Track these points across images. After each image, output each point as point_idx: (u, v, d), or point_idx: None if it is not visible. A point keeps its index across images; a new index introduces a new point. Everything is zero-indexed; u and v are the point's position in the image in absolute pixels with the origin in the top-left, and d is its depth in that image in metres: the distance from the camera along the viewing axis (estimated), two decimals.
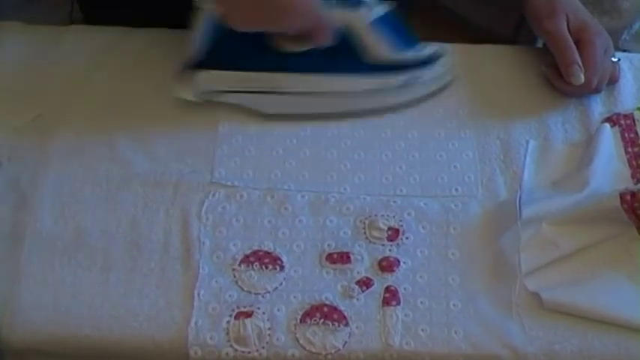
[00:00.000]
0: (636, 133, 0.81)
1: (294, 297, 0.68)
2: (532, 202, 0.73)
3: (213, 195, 0.74)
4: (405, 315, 0.68)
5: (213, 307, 0.67)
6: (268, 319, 0.67)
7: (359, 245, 0.72)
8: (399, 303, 0.68)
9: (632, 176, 0.78)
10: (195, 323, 0.66)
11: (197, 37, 0.76)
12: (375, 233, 0.72)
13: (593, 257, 0.71)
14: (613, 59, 0.85)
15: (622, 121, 0.82)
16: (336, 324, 0.67)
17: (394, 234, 0.72)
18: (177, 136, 0.79)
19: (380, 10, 0.76)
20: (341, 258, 0.71)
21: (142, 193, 0.74)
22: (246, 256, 0.71)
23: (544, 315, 0.68)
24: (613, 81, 0.85)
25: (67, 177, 0.75)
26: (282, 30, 0.73)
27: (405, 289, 0.69)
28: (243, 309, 0.67)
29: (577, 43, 0.81)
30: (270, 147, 0.78)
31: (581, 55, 0.81)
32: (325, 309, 0.68)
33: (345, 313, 0.68)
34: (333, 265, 0.70)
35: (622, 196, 0.70)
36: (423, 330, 0.67)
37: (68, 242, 0.71)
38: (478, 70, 0.87)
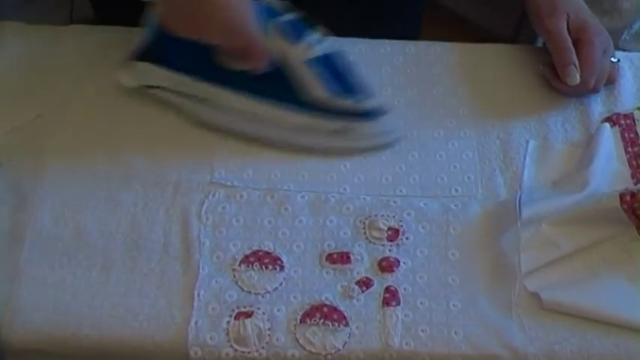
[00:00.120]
0: (636, 133, 0.81)
1: (294, 297, 0.68)
2: (532, 202, 0.73)
3: (213, 195, 0.74)
4: (405, 315, 0.68)
5: (213, 307, 0.67)
6: (268, 320, 0.67)
7: (359, 245, 0.72)
8: (398, 303, 0.68)
9: (632, 176, 0.78)
10: (195, 323, 0.66)
11: (147, 28, 0.76)
12: (375, 233, 0.72)
13: (593, 257, 0.71)
14: (612, 59, 0.85)
15: (622, 121, 0.82)
16: (336, 324, 0.67)
17: (394, 234, 0.72)
18: (177, 136, 0.79)
19: (321, 49, 0.73)
20: (341, 258, 0.71)
21: (142, 193, 0.74)
22: (246, 257, 0.71)
23: (544, 315, 0.68)
24: (611, 81, 0.85)
25: (67, 177, 0.75)
26: (213, 43, 0.71)
27: (404, 289, 0.69)
28: (243, 309, 0.67)
29: (576, 42, 0.81)
30: (270, 147, 0.78)
31: (579, 54, 0.81)
32: (325, 309, 0.68)
33: (345, 314, 0.68)
34: (333, 266, 0.70)
35: (622, 196, 0.70)
36: (422, 330, 0.67)
37: (68, 242, 0.71)
38: (478, 69, 0.87)
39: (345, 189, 0.76)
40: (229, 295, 0.68)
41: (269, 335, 0.66)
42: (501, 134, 0.81)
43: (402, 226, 0.73)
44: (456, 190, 0.76)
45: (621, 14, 1.19)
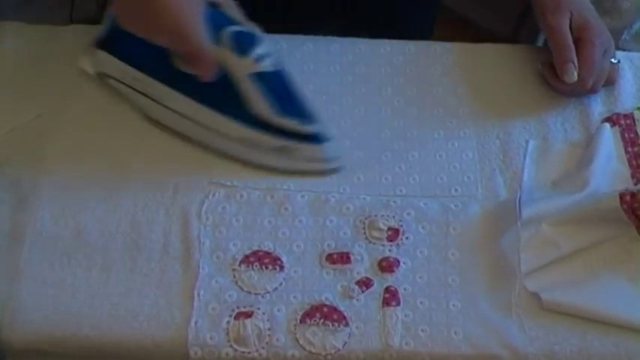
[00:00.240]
0: (636, 133, 0.81)
1: (294, 297, 0.68)
2: (532, 202, 0.73)
3: (213, 195, 0.74)
4: (405, 315, 0.68)
5: (213, 307, 0.67)
6: (268, 320, 0.67)
7: (359, 245, 0.72)
8: (398, 303, 0.68)
9: (632, 176, 0.78)
10: (195, 323, 0.66)
11: (108, 17, 0.75)
12: (375, 233, 0.72)
13: (593, 258, 0.71)
14: (613, 61, 0.85)
15: (622, 121, 0.82)
16: (336, 324, 0.67)
17: (394, 234, 0.72)
18: (177, 136, 0.78)
19: (268, 66, 0.71)
20: (341, 258, 0.71)
21: (142, 193, 0.74)
22: (246, 256, 0.71)
23: (544, 315, 0.68)
24: (610, 82, 0.85)
25: (66, 177, 0.75)
26: (160, 45, 0.70)
27: (404, 289, 0.69)
28: (243, 309, 0.67)
29: (577, 41, 0.81)
30: None
31: (579, 53, 0.81)
32: (325, 309, 0.68)
33: (345, 314, 0.68)
34: (333, 266, 0.70)
35: (622, 196, 0.70)
36: (422, 330, 0.67)
37: (68, 242, 0.71)
38: (478, 69, 0.87)
39: (345, 189, 0.76)
40: (229, 295, 0.68)
41: (269, 335, 0.66)
42: (501, 134, 0.81)
43: (402, 226, 0.73)
44: (456, 190, 0.76)
45: (621, 14, 1.19)
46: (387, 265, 0.70)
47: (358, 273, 0.70)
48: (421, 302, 0.69)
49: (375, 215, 0.74)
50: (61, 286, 0.68)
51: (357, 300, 0.69)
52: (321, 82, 0.84)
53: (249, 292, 0.69)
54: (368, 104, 0.83)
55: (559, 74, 0.81)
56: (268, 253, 0.71)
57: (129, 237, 0.71)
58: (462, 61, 0.87)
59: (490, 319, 0.68)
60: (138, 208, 0.73)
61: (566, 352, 0.66)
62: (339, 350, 0.66)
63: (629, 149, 0.80)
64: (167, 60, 0.73)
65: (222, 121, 0.74)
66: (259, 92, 0.72)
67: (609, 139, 0.80)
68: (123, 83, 0.78)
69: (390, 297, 0.69)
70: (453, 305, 0.68)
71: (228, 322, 0.66)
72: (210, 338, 0.66)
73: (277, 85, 0.73)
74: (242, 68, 0.71)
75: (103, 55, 0.77)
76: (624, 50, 0.90)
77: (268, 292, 0.69)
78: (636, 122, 0.82)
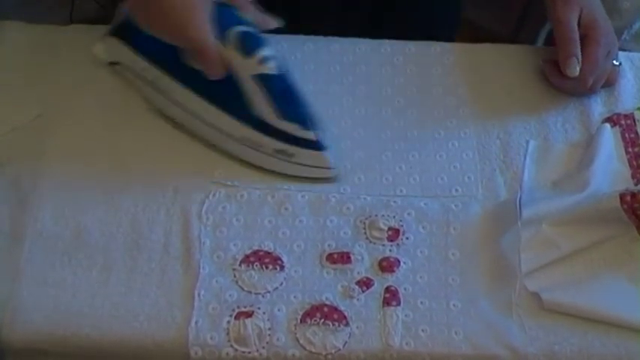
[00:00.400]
0: (636, 133, 0.81)
1: (295, 297, 0.68)
2: (532, 203, 0.73)
3: (214, 195, 0.74)
4: (406, 315, 0.68)
5: (213, 307, 0.67)
6: (268, 319, 0.67)
7: (359, 245, 0.72)
8: (399, 303, 0.68)
9: (633, 176, 0.78)
10: (196, 323, 0.66)
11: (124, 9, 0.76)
12: (376, 233, 0.72)
13: (594, 258, 0.71)
14: (614, 62, 0.85)
15: (622, 121, 0.82)
16: (337, 324, 0.67)
17: (394, 234, 0.72)
18: (177, 136, 0.79)
19: (272, 68, 0.71)
20: (341, 258, 0.71)
21: (143, 193, 0.74)
22: (247, 256, 0.71)
23: (544, 315, 0.68)
24: (610, 84, 0.85)
25: (67, 177, 0.75)
26: (169, 42, 0.71)
27: (405, 289, 0.69)
28: (243, 309, 0.67)
29: (583, 38, 0.82)
30: None
31: (583, 51, 0.81)
32: (325, 309, 0.68)
33: (346, 313, 0.68)
34: (334, 265, 0.70)
35: (622, 196, 0.70)
36: (423, 330, 0.67)
37: (68, 242, 0.71)
38: (478, 69, 0.87)
39: (345, 189, 0.76)
40: (230, 295, 0.68)
41: (269, 335, 0.66)
42: (501, 134, 0.81)
43: (402, 226, 0.73)
44: (457, 190, 0.76)
45: (621, 14, 1.19)
46: (387, 265, 0.71)
47: (359, 273, 0.70)
48: (421, 302, 0.69)
49: (376, 215, 0.74)
50: (61, 285, 0.68)
51: (358, 300, 0.69)
52: (321, 82, 0.84)
53: (250, 292, 0.69)
54: (368, 104, 0.83)
55: (561, 67, 0.81)
56: (269, 253, 0.71)
57: (129, 237, 0.71)
58: (462, 61, 0.87)
59: (490, 319, 0.68)
60: (138, 208, 0.73)
61: (567, 352, 0.66)
62: (340, 350, 0.66)
63: (630, 149, 0.80)
64: (177, 54, 0.73)
65: (225, 120, 0.74)
66: (261, 94, 0.72)
67: (610, 140, 0.80)
68: (132, 72, 0.79)
69: (391, 297, 0.69)
70: (454, 305, 0.68)
71: (228, 322, 0.66)
72: (211, 338, 0.66)
73: (280, 88, 0.73)
74: (246, 68, 0.71)
75: (117, 43, 0.78)
76: (624, 50, 0.90)
77: (269, 292, 0.69)
78: (637, 122, 0.82)
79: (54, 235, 0.71)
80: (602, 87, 0.85)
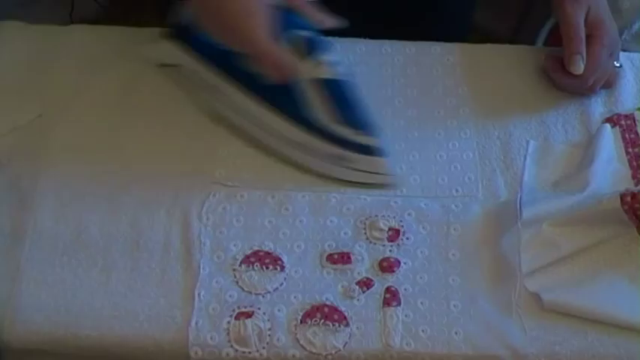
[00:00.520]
0: (637, 133, 0.81)
1: (295, 297, 0.68)
2: (532, 203, 0.73)
3: (214, 195, 0.74)
4: (406, 316, 0.68)
5: (213, 307, 0.67)
6: (269, 320, 0.67)
7: (359, 246, 0.72)
8: (399, 303, 0.68)
9: (633, 177, 0.78)
10: (196, 323, 0.66)
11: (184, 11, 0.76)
12: (376, 234, 0.72)
13: (594, 258, 0.71)
14: (616, 64, 0.85)
15: (622, 122, 0.82)
16: (337, 324, 0.67)
17: (394, 234, 0.72)
18: (178, 136, 0.79)
19: (331, 73, 0.71)
20: (341, 258, 0.71)
21: (143, 193, 0.74)
22: (247, 257, 0.71)
23: (544, 316, 0.68)
24: (609, 85, 0.85)
25: (67, 177, 0.75)
26: (230, 47, 0.71)
27: (405, 289, 0.69)
28: (243, 309, 0.67)
29: (588, 37, 0.82)
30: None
31: (587, 50, 0.81)
32: (326, 309, 0.68)
33: (346, 314, 0.68)
34: (334, 266, 0.70)
35: (622, 197, 0.70)
36: (423, 331, 0.67)
37: (68, 242, 0.71)
38: (478, 69, 0.87)
39: (345, 189, 0.76)
40: (230, 295, 0.68)
41: (269, 335, 0.66)
42: (502, 135, 0.81)
43: (402, 226, 0.73)
44: (457, 190, 0.76)
45: (621, 14, 1.19)
46: (387, 266, 0.71)
47: (359, 273, 0.70)
48: (422, 302, 0.69)
49: (376, 215, 0.74)
50: (61, 286, 0.68)
51: (358, 300, 0.69)
52: None
53: (250, 292, 0.69)
54: (368, 105, 0.83)
55: (565, 64, 0.81)
56: (269, 253, 0.71)
57: (129, 237, 0.71)
58: (463, 62, 0.87)
59: (491, 320, 0.68)
60: (138, 208, 0.73)
61: (567, 352, 0.66)
62: (340, 350, 0.66)
63: (630, 150, 0.80)
64: (236, 58, 0.73)
65: (284, 125, 0.74)
66: (319, 98, 0.72)
67: (610, 140, 0.80)
68: (190, 76, 0.79)
69: (391, 297, 0.69)
70: (454, 305, 0.68)
71: (228, 322, 0.66)
72: (211, 338, 0.66)
73: (338, 93, 0.72)
74: (305, 72, 0.71)
75: (174, 46, 0.77)
76: (624, 50, 0.90)
77: (269, 292, 0.69)
78: (637, 123, 0.82)
79: (54, 235, 0.71)
80: (601, 88, 0.85)
